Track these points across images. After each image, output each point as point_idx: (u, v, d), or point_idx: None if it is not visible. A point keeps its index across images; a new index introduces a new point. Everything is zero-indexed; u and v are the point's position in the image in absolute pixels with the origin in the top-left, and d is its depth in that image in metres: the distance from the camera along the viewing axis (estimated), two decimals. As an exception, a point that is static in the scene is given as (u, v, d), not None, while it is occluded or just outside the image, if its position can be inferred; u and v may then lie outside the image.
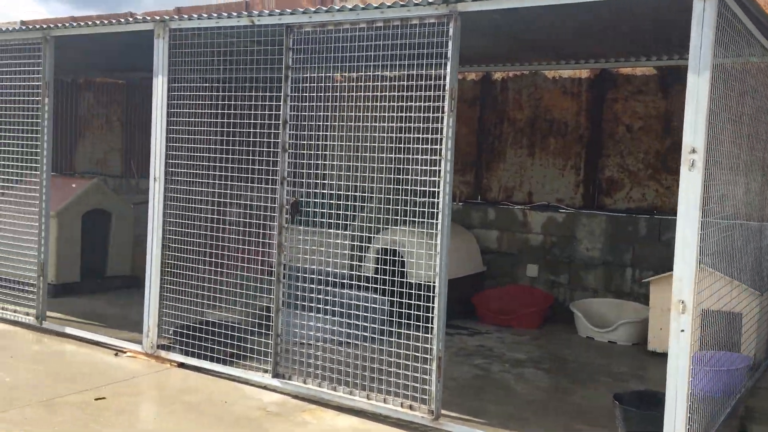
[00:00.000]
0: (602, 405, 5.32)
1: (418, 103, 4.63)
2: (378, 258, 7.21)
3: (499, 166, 8.60)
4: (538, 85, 8.35)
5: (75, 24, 6.25)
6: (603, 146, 7.99)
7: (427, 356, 4.60)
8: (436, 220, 4.50)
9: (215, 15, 5.39)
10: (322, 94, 5.03)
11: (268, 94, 5.19)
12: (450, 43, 4.40)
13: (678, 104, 7.58)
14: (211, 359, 5.63)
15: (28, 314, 6.73)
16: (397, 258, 6.49)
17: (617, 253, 7.84)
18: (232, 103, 5.43)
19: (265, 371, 5.33)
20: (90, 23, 6.13)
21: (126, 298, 8.33)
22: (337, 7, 4.81)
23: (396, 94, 4.85)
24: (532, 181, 8.42)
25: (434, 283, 4.53)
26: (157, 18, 5.69)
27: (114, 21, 5.94)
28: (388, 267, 4.97)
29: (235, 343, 5.62)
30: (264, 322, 6.33)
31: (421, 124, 4.58)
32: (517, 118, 8.49)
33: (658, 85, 7.69)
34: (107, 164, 12.58)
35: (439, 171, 4.48)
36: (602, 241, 7.93)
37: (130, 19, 5.85)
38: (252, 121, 5.35)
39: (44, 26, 6.43)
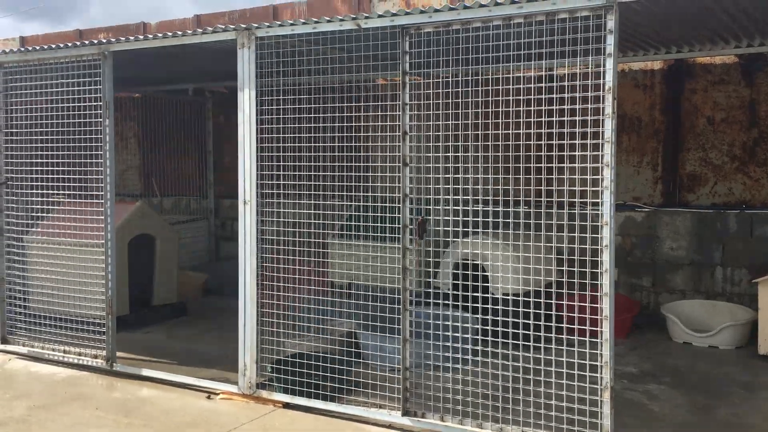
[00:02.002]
0: (755, 423, 4.93)
1: (570, 106, 4.17)
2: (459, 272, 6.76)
3: (567, 166, 8.16)
4: (606, 80, 7.93)
5: (139, 37, 5.69)
6: (682, 140, 7.61)
7: (589, 385, 4.14)
8: (601, 234, 4.05)
9: (314, 20, 4.88)
10: (450, 101, 4.54)
11: (380, 103, 4.70)
12: (610, 38, 3.95)
13: (764, 92, 7.23)
14: (322, 397, 5.12)
15: (96, 357, 6.14)
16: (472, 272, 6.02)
17: (705, 251, 7.46)
18: (337, 115, 4.93)
19: (390, 408, 4.84)
20: (159, 35, 5.58)
21: (183, 329, 7.78)
22: (467, 4, 4.33)
23: (535, 97, 4.40)
24: (604, 180, 8.00)
25: (602, 304, 4.08)
26: (242, 26, 5.16)
27: (189, 32, 5.40)
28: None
29: (338, 376, 5.13)
30: (355, 350, 5.87)
31: (577, 129, 4.13)
32: (584, 115, 8.07)
33: (740, 74, 7.32)
34: (124, 184, 11.94)
35: (602, 180, 4.03)
36: (687, 239, 7.54)
37: (209, 29, 5.30)
38: (359, 134, 4.86)
39: (102, 41, 5.86)
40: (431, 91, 4.56)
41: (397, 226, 4.72)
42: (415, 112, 4.62)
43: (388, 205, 5.70)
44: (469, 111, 4.54)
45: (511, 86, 4.39)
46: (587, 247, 4.25)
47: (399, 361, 5.54)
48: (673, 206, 7.64)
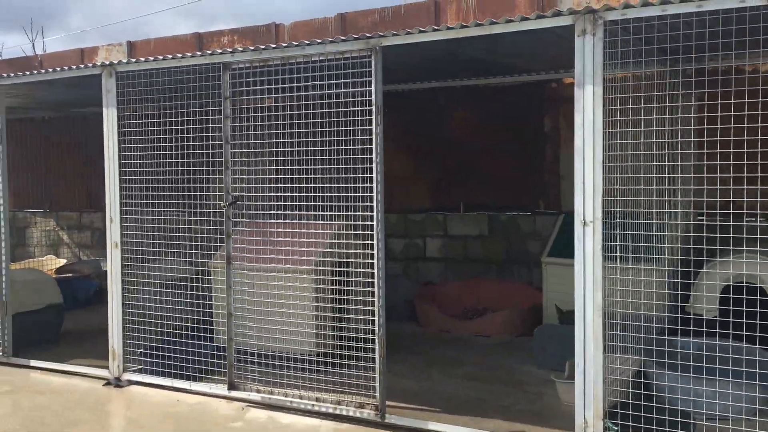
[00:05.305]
0: None
1: None
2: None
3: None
4: None
5: (436, 27, 4.77)
6: None
7: None
8: None
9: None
10: None
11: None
12: None
13: None
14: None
15: (362, 406, 5.20)
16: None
17: None
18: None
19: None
20: (459, 24, 4.67)
21: (393, 362, 6.77)
22: None
23: None
24: None
25: None
26: (589, 7, 4.22)
27: (508, 18, 4.48)
28: None
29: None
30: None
31: None
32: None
33: None
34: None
35: None
36: None
37: (545, 14, 4.37)
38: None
39: (372, 35, 4.95)
40: None
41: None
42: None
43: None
44: None
45: None
46: None
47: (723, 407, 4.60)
48: None
